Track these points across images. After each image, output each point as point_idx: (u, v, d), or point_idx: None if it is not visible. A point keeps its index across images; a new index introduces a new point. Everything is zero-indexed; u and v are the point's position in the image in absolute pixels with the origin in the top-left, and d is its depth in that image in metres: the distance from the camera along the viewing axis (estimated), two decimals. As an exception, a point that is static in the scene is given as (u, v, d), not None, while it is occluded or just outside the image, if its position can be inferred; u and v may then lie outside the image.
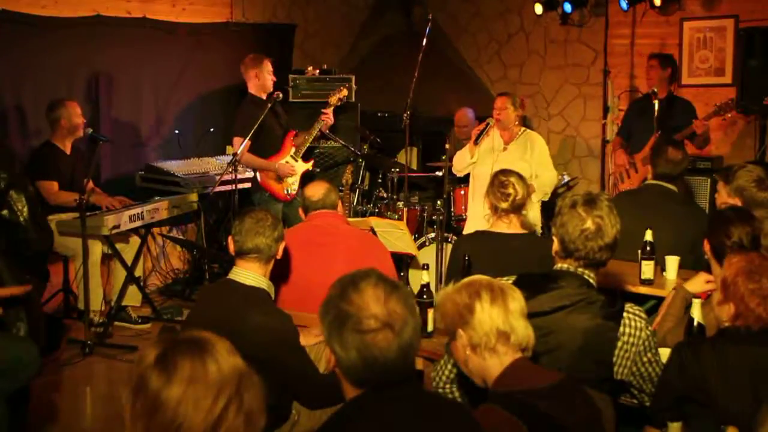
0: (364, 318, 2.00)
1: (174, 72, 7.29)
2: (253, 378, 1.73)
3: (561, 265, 2.98)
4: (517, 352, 2.41)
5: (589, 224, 2.88)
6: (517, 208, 4.08)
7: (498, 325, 2.39)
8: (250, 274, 3.30)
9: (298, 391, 3.30)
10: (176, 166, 6.82)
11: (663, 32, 7.70)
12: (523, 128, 5.99)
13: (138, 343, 5.67)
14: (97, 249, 5.79)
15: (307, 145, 6.40)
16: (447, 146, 6.47)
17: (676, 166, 4.66)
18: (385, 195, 7.15)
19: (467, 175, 6.14)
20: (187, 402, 1.63)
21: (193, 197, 6.50)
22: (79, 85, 6.52)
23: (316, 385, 3.31)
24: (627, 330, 2.86)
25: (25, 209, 4.31)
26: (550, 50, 8.49)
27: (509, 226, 4.10)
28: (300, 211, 4.32)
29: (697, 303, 3.19)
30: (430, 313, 3.56)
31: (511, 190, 4.05)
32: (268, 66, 6.36)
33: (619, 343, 2.85)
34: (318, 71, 7.82)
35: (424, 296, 3.55)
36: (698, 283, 3.62)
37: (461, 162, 6.03)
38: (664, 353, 3.00)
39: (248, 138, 5.99)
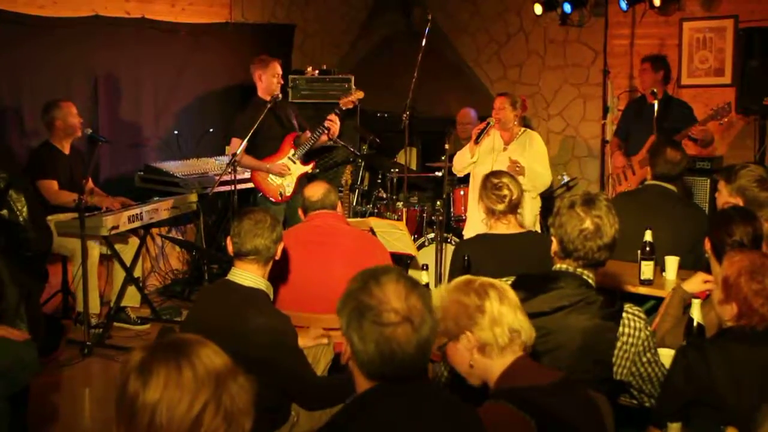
0: (384, 311, 2.02)
1: (173, 72, 7.29)
2: (238, 379, 1.73)
3: (560, 265, 2.98)
4: (519, 350, 2.41)
5: (588, 224, 2.88)
6: (514, 208, 4.09)
7: (510, 323, 2.38)
8: (248, 275, 3.29)
9: (295, 393, 3.30)
10: (175, 167, 6.82)
11: (662, 32, 7.70)
12: (523, 128, 5.99)
13: (137, 344, 5.62)
14: (94, 250, 5.78)
15: (308, 148, 6.38)
16: (446, 146, 6.46)
17: (675, 166, 4.65)
18: (384, 195, 7.15)
19: (467, 176, 6.14)
20: (162, 406, 1.65)
21: (192, 198, 6.50)
22: (78, 86, 6.51)
23: (313, 387, 3.31)
24: (626, 330, 2.85)
25: (25, 209, 4.31)
26: (549, 50, 8.49)
27: (508, 226, 4.10)
28: (299, 211, 4.32)
29: (696, 303, 3.19)
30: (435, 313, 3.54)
31: (505, 192, 4.05)
32: (273, 69, 6.33)
33: (619, 344, 2.85)
34: (317, 72, 7.83)
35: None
36: (696, 283, 3.62)
37: (461, 162, 6.03)
38: (664, 353, 3.00)
39: (245, 140, 5.98)
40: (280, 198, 6.32)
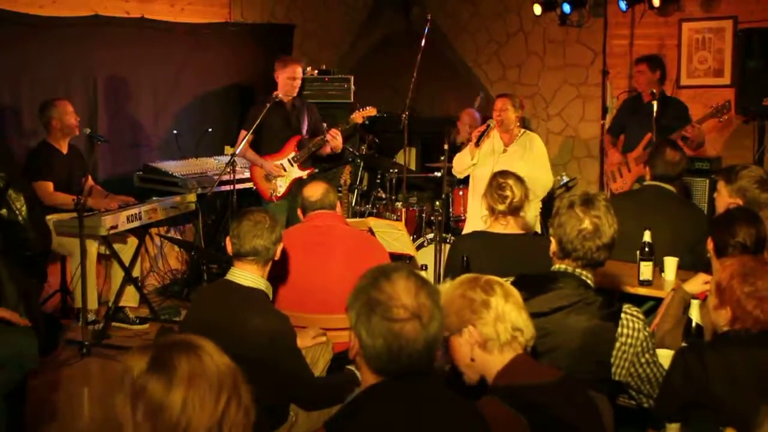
0: (394, 306, 2.03)
1: (172, 72, 7.29)
2: (242, 375, 1.74)
3: (559, 265, 2.98)
4: (520, 349, 2.42)
5: (587, 224, 2.88)
6: (515, 210, 4.07)
7: (513, 320, 2.39)
8: (248, 274, 3.29)
9: (293, 393, 3.30)
10: (174, 167, 6.82)
11: (662, 33, 7.70)
12: (523, 130, 5.99)
13: (136, 343, 5.64)
14: (92, 249, 5.78)
15: (307, 154, 6.39)
16: (445, 146, 6.46)
17: (675, 167, 4.65)
18: (383, 195, 7.14)
19: (466, 176, 6.13)
20: (193, 401, 1.63)
21: (192, 197, 6.49)
22: (77, 85, 6.51)
23: (311, 387, 3.31)
24: (625, 331, 2.86)
25: (24, 208, 4.31)
26: (549, 51, 8.49)
27: (506, 227, 4.09)
28: (299, 211, 4.32)
29: (695, 304, 3.19)
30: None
31: (508, 193, 4.04)
32: (289, 71, 6.34)
33: (617, 344, 2.85)
34: (317, 71, 7.83)
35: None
36: (696, 283, 3.62)
37: (461, 164, 6.03)
38: (663, 354, 3.00)
39: (250, 132, 6.11)
40: (270, 197, 6.36)
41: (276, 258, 3.37)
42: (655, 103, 6.28)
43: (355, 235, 4.29)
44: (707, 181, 6.75)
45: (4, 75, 6.00)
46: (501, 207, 4.06)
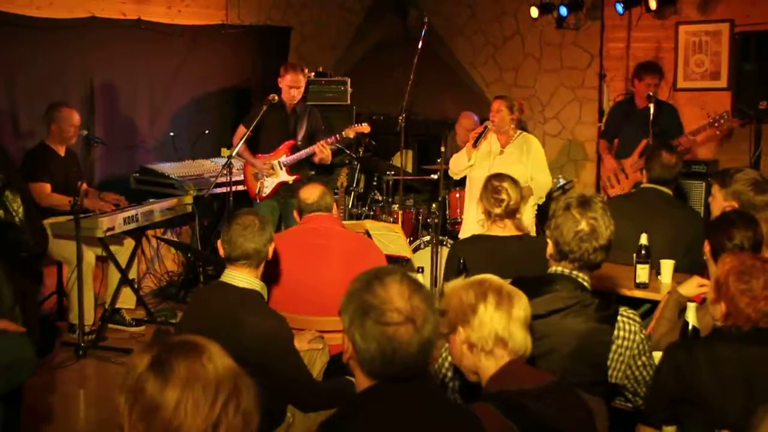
0: (387, 310, 2.04)
1: (169, 74, 7.28)
2: (246, 378, 1.73)
3: (555, 268, 2.99)
4: (507, 357, 2.41)
5: (584, 226, 2.89)
6: (511, 213, 4.08)
7: (497, 330, 2.39)
8: (242, 276, 3.29)
9: (290, 394, 3.30)
10: (171, 168, 6.81)
11: (658, 36, 7.71)
12: (519, 131, 5.99)
13: (132, 345, 5.65)
14: (90, 257, 5.77)
15: (296, 160, 6.40)
16: (442, 149, 6.46)
17: (671, 170, 4.66)
18: (380, 198, 7.14)
19: (463, 178, 6.14)
20: (186, 403, 1.64)
21: (188, 199, 6.49)
22: (73, 87, 6.49)
23: (308, 388, 3.31)
24: (621, 333, 2.86)
25: (21, 210, 4.30)
26: (545, 53, 8.50)
27: (504, 230, 4.11)
28: (295, 213, 4.32)
29: (692, 306, 3.19)
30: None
31: (504, 196, 4.05)
32: (288, 79, 6.36)
33: (614, 347, 2.86)
34: (313, 74, 7.82)
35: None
36: (691, 286, 3.62)
37: (458, 165, 6.03)
38: (659, 357, 3.00)
39: (249, 130, 6.19)
40: (257, 197, 6.46)
41: (269, 258, 3.38)
42: (651, 106, 6.29)
43: (351, 237, 4.29)
44: (703, 184, 6.76)
45: (0, 76, 5.99)
46: (498, 210, 4.07)
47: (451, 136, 7.52)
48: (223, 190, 6.42)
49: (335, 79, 7.81)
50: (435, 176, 6.96)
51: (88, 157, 5.91)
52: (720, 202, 4.13)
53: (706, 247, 3.50)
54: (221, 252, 3.32)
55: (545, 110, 8.56)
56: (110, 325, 5.98)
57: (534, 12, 7.90)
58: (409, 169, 8.31)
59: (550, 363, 2.78)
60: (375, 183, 7.35)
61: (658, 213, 4.56)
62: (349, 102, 7.66)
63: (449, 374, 2.87)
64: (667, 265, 4.21)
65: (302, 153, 6.38)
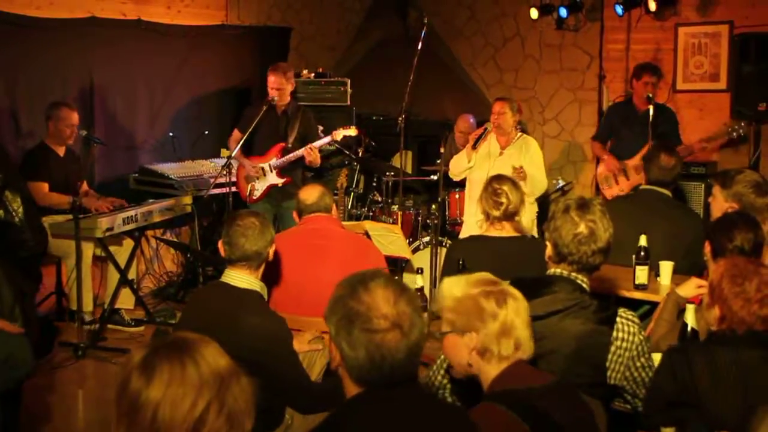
0: (374, 317, 2.02)
1: (169, 74, 7.28)
2: (240, 380, 1.73)
3: (554, 269, 2.99)
4: (519, 358, 2.41)
5: (582, 228, 2.89)
6: (510, 216, 4.07)
7: (518, 336, 2.38)
8: (242, 276, 3.30)
9: (288, 395, 3.29)
10: (170, 169, 6.81)
11: (658, 37, 7.72)
12: (519, 133, 6.00)
13: (131, 345, 5.64)
14: (88, 251, 5.77)
15: (285, 163, 6.36)
16: (442, 150, 6.46)
17: (670, 171, 4.66)
18: (379, 199, 7.14)
19: (462, 179, 6.14)
20: (165, 403, 1.64)
21: (187, 200, 6.49)
22: (73, 87, 6.49)
23: (307, 390, 3.31)
24: (620, 335, 2.86)
25: (21, 209, 4.30)
26: (545, 55, 8.51)
27: (501, 232, 4.10)
28: (294, 214, 4.32)
29: (690, 308, 3.20)
30: (424, 317, 3.54)
31: (503, 199, 4.04)
32: (270, 79, 6.31)
33: (613, 348, 2.86)
34: (313, 74, 7.82)
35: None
36: (690, 287, 3.62)
37: (458, 166, 6.03)
38: (658, 359, 3.00)
39: (245, 132, 6.21)
40: (247, 199, 6.42)
41: (269, 259, 3.38)
42: (651, 107, 6.29)
43: (350, 238, 4.29)
44: (702, 185, 6.77)
45: (0, 76, 5.99)
46: (496, 213, 4.06)
47: (450, 137, 7.53)
48: (223, 190, 6.42)
49: (335, 79, 7.81)
50: (434, 177, 6.96)
51: (87, 157, 5.91)
52: (721, 204, 4.13)
53: (707, 248, 3.50)
54: (222, 253, 3.32)
55: (545, 111, 8.56)
56: (109, 326, 5.98)
57: (534, 13, 7.92)
58: (409, 170, 8.31)
59: (548, 364, 2.78)
60: (374, 184, 7.35)
61: (657, 214, 4.56)
62: (348, 103, 7.66)
63: (440, 394, 2.87)
64: (666, 267, 4.21)
65: (291, 156, 6.33)
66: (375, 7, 9.35)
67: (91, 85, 6.62)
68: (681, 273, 4.17)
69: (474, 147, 5.86)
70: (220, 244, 3.34)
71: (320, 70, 7.94)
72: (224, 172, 6.12)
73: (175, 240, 7.29)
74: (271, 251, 3.35)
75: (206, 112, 7.62)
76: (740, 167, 4.72)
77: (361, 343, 2.02)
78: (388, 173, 7.07)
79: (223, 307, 3.25)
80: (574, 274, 2.94)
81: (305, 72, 7.83)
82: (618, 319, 2.88)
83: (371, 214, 7.02)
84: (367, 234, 5.25)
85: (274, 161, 6.36)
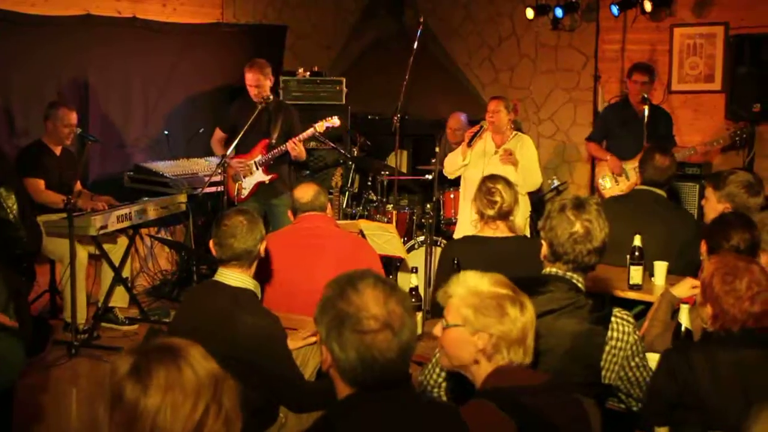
0: (364, 318, 2.00)
1: (164, 72, 7.27)
2: (229, 381, 1.72)
3: (549, 269, 2.99)
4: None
5: (578, 228, 2.89)
6: (504, 215, 4.08)
7: (528, 344, 2.37)
8: (235, 275, 3.30)
9: (282, 395, 3.29)
10: (165, 167, 6.80)
11: (653, 38, 7.72)
12: (514, 132, 6.00)
13: (124, 344, 5.63)
14: (83, 255, 5.76)
15: (270, 159, 6.33)
16: (437, 149, 6.46)
17: (664, 172, 4.67)
18: (374, 198, 7.14)
19: (457, 178, 6.14)
20: (165, 410, 1.62)
21: (182, 198, 6.48)
22: (68, 85, 6.49)
23: (300, 389, 3.30)
24: (615, 334, 2.86)
25: (15, 207, 4.29)
26: (541, 55, 8.51)
27: (495, 231, 4.10)
28: (289, 212, 4.31)
29: (684, 308, 3.20)
30: (419, 316, 3.55)
31: (498, 198, 4.04)
32: (247, 76, 6.30)
33: (607, 348, 2.86)
34: (309, 73, 7.82)
35: (413, 299, 3.54)
36: (684, 288, 3.63)
37: (453, 164, 6.03)
38: (652, 358, 3.00)
39: (227, 131, 6.33)
40: (235, 198, 6.37)
41: (261, 256, 3.37)
42: (645, 108, 6.30)
43: (345, 237, 4.29)
44: (697, 186, 6.78)
45: (-5, 73, 5.99)
46: (490, 212, 4.07)
47: (445, 136, 7.53)
48: (217, 188, 6.41)
49: (330, 78, 7.81)
50: (429, 176, 6.96)
51: (82, 155, 5.90)
52: (714, 205, 4.15)
53: (703, 248, 3.51)
54: (213, 253, 3.32)
55: (540, 111, 8.57)
56: (103, 324, 5.96)
57: (529, 13, 7.92)
58: (404, 169, 8.32)
59: (543, 364, 2.77)
60: (369, 183, 7.35)
61: (652, 215, 4.57)
62: (344, 102, 7.66)
63: (435, 392, 2.87)
64: (660, 267, 4.22)
65: (276, 151, 6.29)
66: (371, 6, 9.34)
67: (86, 83, 6.62)
68: (675, 273, 4.18)
69: (469, 145, 5.86)
70: (210, 245, 3.34)
71: (316, 69, 7.94)
72: (219, 171, 6.10)
73: (170, 238, 7.28)
74: (262, 248, 3.35)
75: (201, 110, 7.60)
76: (732, 168, 4.73)
77: (351, 344, 2.00)
78: (383, 172, 7.07)
79: (217, 306, 3.24)
80: (569, 273, 2.94)
81: (301, 71, 7.82)
82: (613, 318, 2.88)
83: (366, 213, 7.02)
84: (361, 233, 5.25)
85: (259, 158, 6.33)
